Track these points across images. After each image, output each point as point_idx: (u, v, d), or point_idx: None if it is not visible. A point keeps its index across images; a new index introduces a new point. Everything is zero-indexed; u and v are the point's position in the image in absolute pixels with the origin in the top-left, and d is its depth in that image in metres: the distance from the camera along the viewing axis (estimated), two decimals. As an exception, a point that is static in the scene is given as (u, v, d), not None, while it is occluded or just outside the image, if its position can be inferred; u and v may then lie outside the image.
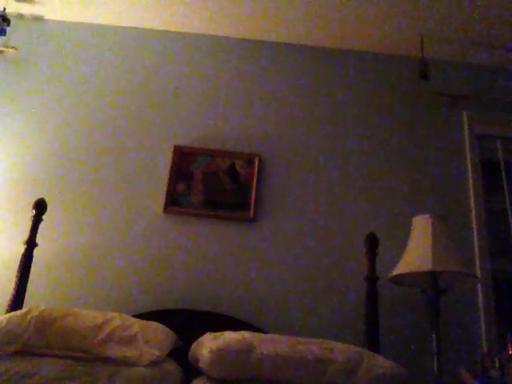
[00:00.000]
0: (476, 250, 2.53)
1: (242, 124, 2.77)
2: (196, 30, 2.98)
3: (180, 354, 1.87)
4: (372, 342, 2.01)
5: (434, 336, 2.00)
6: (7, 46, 2.80)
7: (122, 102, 2.79)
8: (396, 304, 2.37)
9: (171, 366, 1.73)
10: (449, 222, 2.20)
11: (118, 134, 2.71)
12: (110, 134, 2.71)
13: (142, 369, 1.59)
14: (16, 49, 2.82)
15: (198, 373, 1.73)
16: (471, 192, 2.66)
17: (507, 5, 2.55)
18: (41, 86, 2.82)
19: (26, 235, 2.12)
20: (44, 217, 2.18)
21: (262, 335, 1.77)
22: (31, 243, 2.10)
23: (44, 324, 1.64)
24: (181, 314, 2.23)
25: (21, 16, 2.97)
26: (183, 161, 2.63)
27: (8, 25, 2.75)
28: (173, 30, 2.99)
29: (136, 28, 2.99)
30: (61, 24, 2.99)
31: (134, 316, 1.95)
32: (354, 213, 2.60)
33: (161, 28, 2.99)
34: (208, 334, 1.79)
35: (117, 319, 1.74)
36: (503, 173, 2.78)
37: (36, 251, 2.12)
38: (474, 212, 2.61)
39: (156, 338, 1.73)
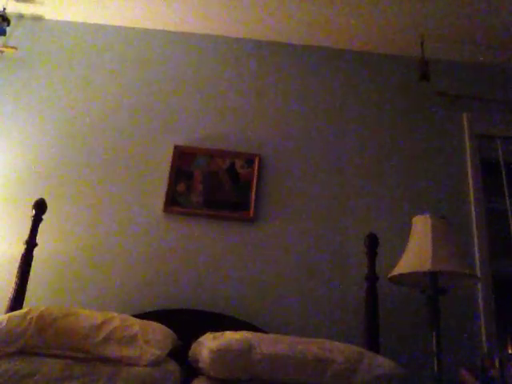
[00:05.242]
0: (476, 250, 2.53)
1: (242, 124, 2.77)
2: (196, 30, 2.99)
3: (180, 354, 1.87)
4: (372, 342, 2.01)
5: (433, 336, 2.00)
6: (7, 46, 2.80)
7: (121, 102, 2.79)
8: (396, 304, 2.37)
9: (171, 366, 1.72)
10: (449, 222, 2.20)
11: (117, 133, 2.71)
12: (109, 133, 2.71)
13: (141, 369, 1.59)
14: (16, 49, 2.82)
15: (198, 373, 1.74)
16: (471, 192, 2.66)
17: (507, 5, 2.55)
18: (41, 85, 2.82)
19: (26, 235, 2.12)
20: (44, 217, 2.18)
21: (262, 335, 1.77)
22: (31, 243, 2.10)
23: (44, 324, 1.64)
24: (181, 314, 2.23)
25: (21, 16, 2.97)
26: (183, 161, 2.63)
27: (8, 25, 2.75)
28: (173, 29, 2.99)
29: (136, 28, 2.99)
30: (61, 24, 2.99)
31: (134, 316, 1.95)
32: (354, 213, 2.60)
33: (161, 28, 2.99)
34: (208, 333, 1.80)
35: (117, 319, 1.74)
36: (503, 173, 2.78)
37: (36, 251, 2.12)
38: (473, 212, 2.61)
39: (156, 337, 1.73)
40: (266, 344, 1.65)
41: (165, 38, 2.98)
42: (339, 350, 1.67)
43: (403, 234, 2.36)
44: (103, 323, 1.69)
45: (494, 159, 2.81)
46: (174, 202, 2.53)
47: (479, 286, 2.44)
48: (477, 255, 2.52)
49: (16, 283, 2.01)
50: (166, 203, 2.52)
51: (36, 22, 2.98)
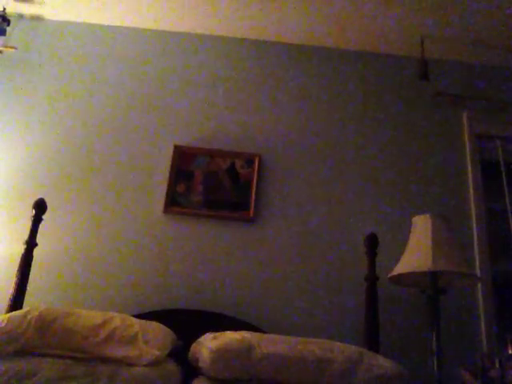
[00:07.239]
0: (476, 250, 2.53)
1: (241, 124, 2.77)
2: (196, 30, 2.98)
3: (180, 354, 1.87)
4: (372, 342, 2.01)
5: (433, 336, 2.00)
6: (7, 46, 2.80)
7: (121, 102, 2.79)
8: (396, 304, 2.37)
9: (171, 366, 1.73)
10: (449, 222, 2.20)
11: (117, 133, 2.71)
12: (109, 133, 2.71)
13: (141, 369, 1.59)
14: (16, 49, 2.82)
15: (198, 373, 1.74)
16: (471, 192, 2.66)
17: (507, 5, 2.55)
18: (41, 86, 2.82)
19: (26, 235, 2.12)
20: (44, 217, 2.18)
21: (262, 335, 1.77)
22: (31, 243, 2.10)
23: (44, 324, 1.64)
24: (181, 314, 2.23)
25: (21, 16, 2.97)
26: (183, 161, 2.63)
27: (8, 25, 2.75)
28: (173, 30, 2.99)
29: (136, 28, 2.99)
30: (61, 24, 2.99)
31: (134, 316, 1.95)
32: (353, 213, 2.60)
33: (161, 28, 2.99)
34: (208, 334, 1.80)
35: (117, 319, 1.74)
36: (503, 173, 2.78)
37: (36, 251, 2.12)
38: (474, 212, 2.61)
39: (156, 337, 1.73)
40: (266, 344, 1.65)
41: (165, 38, 2.98)
42: (339, 350, 1.67)
43: (403, 234, 2.36)
44: (103, 323, 1.69)
45: (494, 159, 2.81)
46: (174, 202, 2.53)
47: (479, 286, 2.44)
48: (477, 255, 2.52)
49: (16, 283, 2.01)
50: (166, 203, 2.52)
51: (36, 22, 2.98)
